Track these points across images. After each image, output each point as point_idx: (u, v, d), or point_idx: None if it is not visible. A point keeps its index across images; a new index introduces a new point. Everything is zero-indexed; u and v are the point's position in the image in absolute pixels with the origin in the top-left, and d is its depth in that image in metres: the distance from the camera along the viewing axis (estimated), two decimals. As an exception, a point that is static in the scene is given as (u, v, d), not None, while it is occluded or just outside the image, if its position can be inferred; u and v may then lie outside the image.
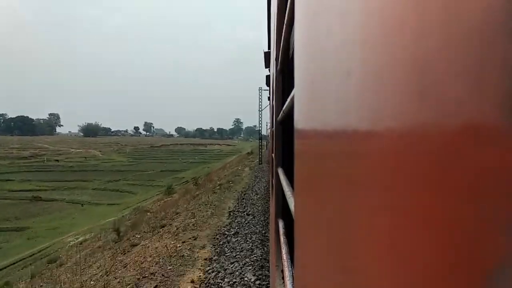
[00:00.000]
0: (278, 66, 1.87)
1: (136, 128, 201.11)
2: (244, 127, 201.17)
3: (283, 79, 1.92)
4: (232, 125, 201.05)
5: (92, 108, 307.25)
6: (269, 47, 5.99)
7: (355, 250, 0.31)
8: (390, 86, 0.22)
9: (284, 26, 1.36)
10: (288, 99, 1.18)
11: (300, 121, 0.71)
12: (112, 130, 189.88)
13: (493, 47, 0.12)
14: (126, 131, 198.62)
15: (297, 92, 0.76)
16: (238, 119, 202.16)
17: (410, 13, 0.19)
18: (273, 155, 2.42)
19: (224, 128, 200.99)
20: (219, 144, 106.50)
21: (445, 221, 0.15)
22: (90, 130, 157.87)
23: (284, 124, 1.86)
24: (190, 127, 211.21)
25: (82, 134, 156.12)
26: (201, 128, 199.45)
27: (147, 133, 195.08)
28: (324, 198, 0.46)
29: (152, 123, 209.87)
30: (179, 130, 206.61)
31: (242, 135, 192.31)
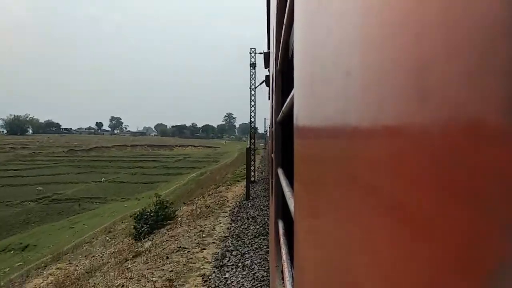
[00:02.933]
0: (278, 66, 1.87)
1: (99, 125, 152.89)
2: (238, 124, 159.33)
3: (283, 79, 1.92)
4: (223, 121, 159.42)
5: (63, 105, 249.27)
6: (268, 47, 5.99)
7: (355, 251, 0.31)
8: (390, 86, 0.22)
9: (284, 26, 1.36)
10: (288, 99, 1.18)
11: (299, 121, 0.71)
12: (64, 127, 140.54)
13: (494, 48, 0.12)
14: (90, 127, 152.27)
15: (297, 92, 0.76)
16: (230, 113, 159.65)
17: (410, 13, 0.19)
18: (272, 155, 2.42)
19: (212, 124, 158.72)
20: (194, 146, 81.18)
21: (445, 221, 0.15)
22: (18, 126, 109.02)
23: (284, 124, 1.86)
24: (174, 124, 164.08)
25: (5, 131, 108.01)
26: (184, 125, 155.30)
27: (113, 130, 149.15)
28: (324, 198, 0.45)
29: (120, 118, 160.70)
30: (158, 127, 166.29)
31: (236, 133, 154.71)
